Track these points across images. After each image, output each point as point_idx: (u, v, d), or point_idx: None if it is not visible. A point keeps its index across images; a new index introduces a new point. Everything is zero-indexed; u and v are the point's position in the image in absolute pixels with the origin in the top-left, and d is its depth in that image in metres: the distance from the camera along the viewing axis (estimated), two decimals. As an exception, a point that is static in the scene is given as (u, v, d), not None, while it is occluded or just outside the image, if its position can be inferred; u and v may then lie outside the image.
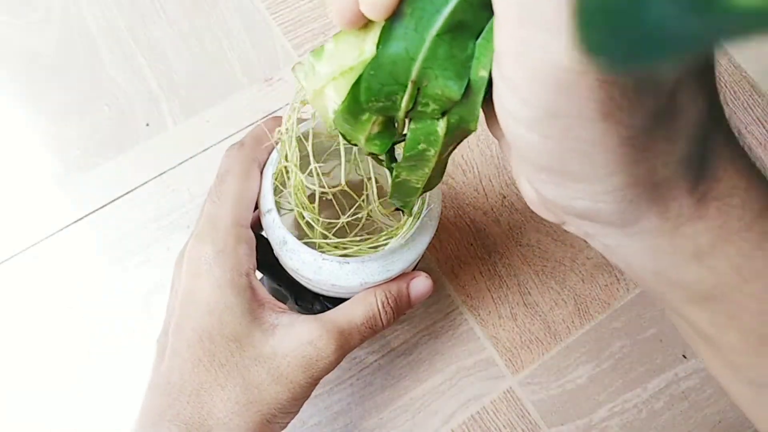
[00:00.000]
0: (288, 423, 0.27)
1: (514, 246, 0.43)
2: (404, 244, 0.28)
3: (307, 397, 0.27)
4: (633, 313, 0.43)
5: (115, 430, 0.37)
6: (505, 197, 0.44)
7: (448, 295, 0.41)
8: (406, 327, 0.41)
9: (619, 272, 0.43)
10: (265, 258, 0.37)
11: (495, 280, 0.42)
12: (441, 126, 0.18)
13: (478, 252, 0.43)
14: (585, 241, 0.44)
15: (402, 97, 0.18)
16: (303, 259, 0.28)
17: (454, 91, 0.17)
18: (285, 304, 0.37)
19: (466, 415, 0.39)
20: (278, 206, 0.29)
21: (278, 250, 0.29)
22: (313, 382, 0.27)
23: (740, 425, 0.42)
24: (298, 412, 0.27)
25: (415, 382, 0.40)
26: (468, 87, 0.17)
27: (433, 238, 0.29)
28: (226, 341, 0.26)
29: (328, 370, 0.27)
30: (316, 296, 0.35)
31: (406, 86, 0.17)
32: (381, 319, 0.28)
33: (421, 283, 0.29)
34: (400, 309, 0.28)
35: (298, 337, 0.26)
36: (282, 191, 0.30)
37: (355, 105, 0.19)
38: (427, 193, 0.27)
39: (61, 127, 0.43)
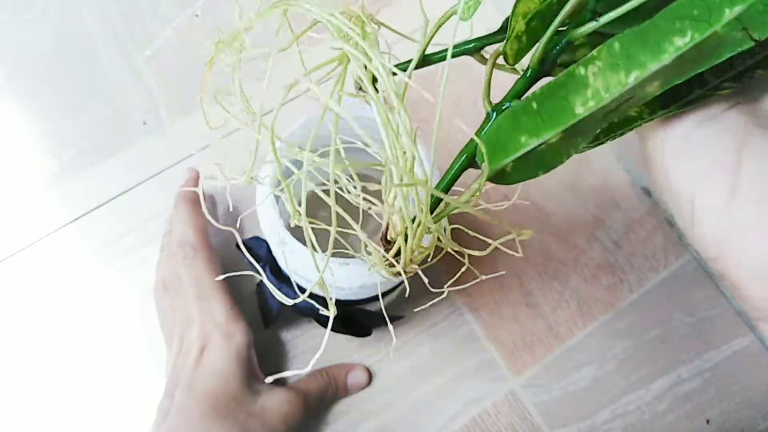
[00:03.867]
0: None
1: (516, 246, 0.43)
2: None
3: None
4: (636, 314, 0.42)
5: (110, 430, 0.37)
6: (506, 196, 0.44)
7: (448, 296, 0.41)
8: (407, 328, 0.40)
9: (622, 273, 0.43)
10: (265, 258, 0.37)
11: (496, 281, 0.42)
12: (732, 8, 0.14)
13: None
14: (588, 242, 0.43)
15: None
16: (302, 260, 0.27)
17: None
18: (282, 304, 0.37)
19: (467, 417, 0.39)
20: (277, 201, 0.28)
21: (277, 251, 0.29)
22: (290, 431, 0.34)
23: (744, 427, 0.41)
24: None
25: (416, 384, 0.39)
26: None
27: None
28: (228, 399, 0.31)
29: (297, 421, 0.34)
30: (314, 297, 0.34)
31: None
32: (328, 393, 0.37)
33: (356, 376, 0.38)
34: (340, 391, 0.38)
35: (279, 398, 0.33)
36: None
37: None
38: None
39: (58, 125, 0.42)
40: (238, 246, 0.38)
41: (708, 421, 0.40)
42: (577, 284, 0.42)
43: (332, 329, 0.36)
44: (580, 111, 0.15)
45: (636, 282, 0.43)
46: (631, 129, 0.17)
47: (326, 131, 0.27)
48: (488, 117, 0.17)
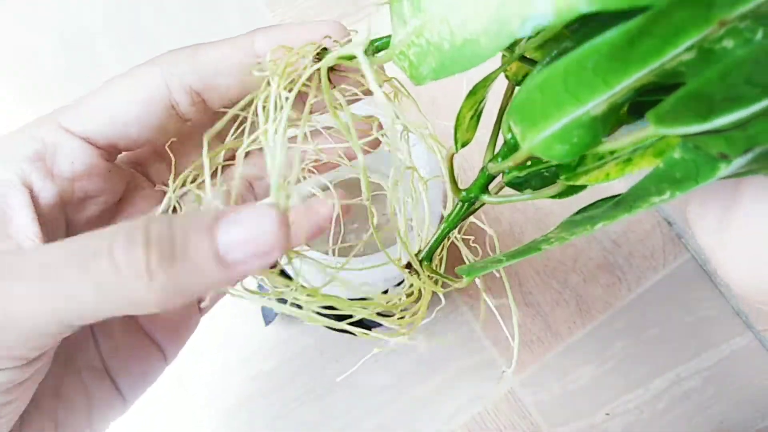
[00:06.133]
0: None
1: (515, 245, 0.43)
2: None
3: None
4: (635, 313, 0.42)
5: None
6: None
7: (448, 295, 0.41)
8: (407, 327, 0.40)
9: (621, 272, 0.43)
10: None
11: (496, 280, 0.42)
12: (729, 165, 0.12)
13: (478, 251, 0.42)
14: (586, 241, 0.43)
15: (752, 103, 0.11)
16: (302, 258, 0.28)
17: None
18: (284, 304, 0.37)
19: (467, 415, 0.39)
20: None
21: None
22: None
23: (743, 425, 0.41)
24: None
25: (416, 383, 0.39)
26: None
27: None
28: None
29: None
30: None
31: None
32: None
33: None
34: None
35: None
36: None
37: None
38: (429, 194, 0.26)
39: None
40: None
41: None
42: (576, 283, 0.43)
43: (331, 327, 0.37)
44: (545, 247, 0.16)
45: (635, 281, 0.43)
46: None
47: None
48: (459, 203, 0.19)
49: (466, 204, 0.19)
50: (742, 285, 0.16)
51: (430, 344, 0.40)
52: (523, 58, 0.17)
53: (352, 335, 0.38)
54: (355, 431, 0.38)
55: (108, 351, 0.20)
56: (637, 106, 0.14)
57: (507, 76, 0.18)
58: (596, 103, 0.12)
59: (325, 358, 0.39)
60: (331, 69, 0.18)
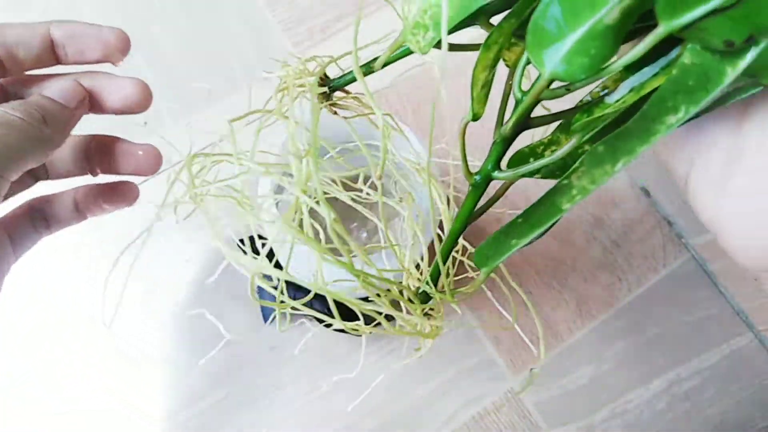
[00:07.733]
0: None
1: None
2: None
3: None
4: (635, 314, 0.42)
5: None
6: (506, 195, 0.44)
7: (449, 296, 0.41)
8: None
9: (621, 272, 0.43)
10: (266, 256, 0.37)
11: (496, 280, 0.42)
12: (734, 66, 0.13)
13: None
14: (587, 241, 0.43)
15: None
16: (301, 259, 0.28)
17: None
18: (283, 301, 0.37)
19: (467, 415, 0.39)
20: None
21: (276, 248, 0.29)
22: None
23: (742, 425, 0.41)
24: None
25: (416, 383, 0.39)
26: None
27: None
28: None
29: None
30: (315, 295, 0.34)
31: None
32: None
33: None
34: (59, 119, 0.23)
35: None
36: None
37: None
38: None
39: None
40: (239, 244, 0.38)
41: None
42: (576, 283, 0.42)
43: (331, 327, 0.37)
44: (567, 207, 0.16)
45: (635, 281, 0.43)
46: None
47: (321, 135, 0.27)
48: (473, 185, 0.19)
49: (480, 189, 0.19)
50: (745, 245, 0.16)
51: (431, 345, 0.40)
52: (516, 35, 0.17)
53: (353, 336, 0.38)
54: (355, 431, 0.38)
55: None
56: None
57: (507, 64, 0.18)
58: (609, 8, 0.13)
59: (325, 358, 0.39)
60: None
